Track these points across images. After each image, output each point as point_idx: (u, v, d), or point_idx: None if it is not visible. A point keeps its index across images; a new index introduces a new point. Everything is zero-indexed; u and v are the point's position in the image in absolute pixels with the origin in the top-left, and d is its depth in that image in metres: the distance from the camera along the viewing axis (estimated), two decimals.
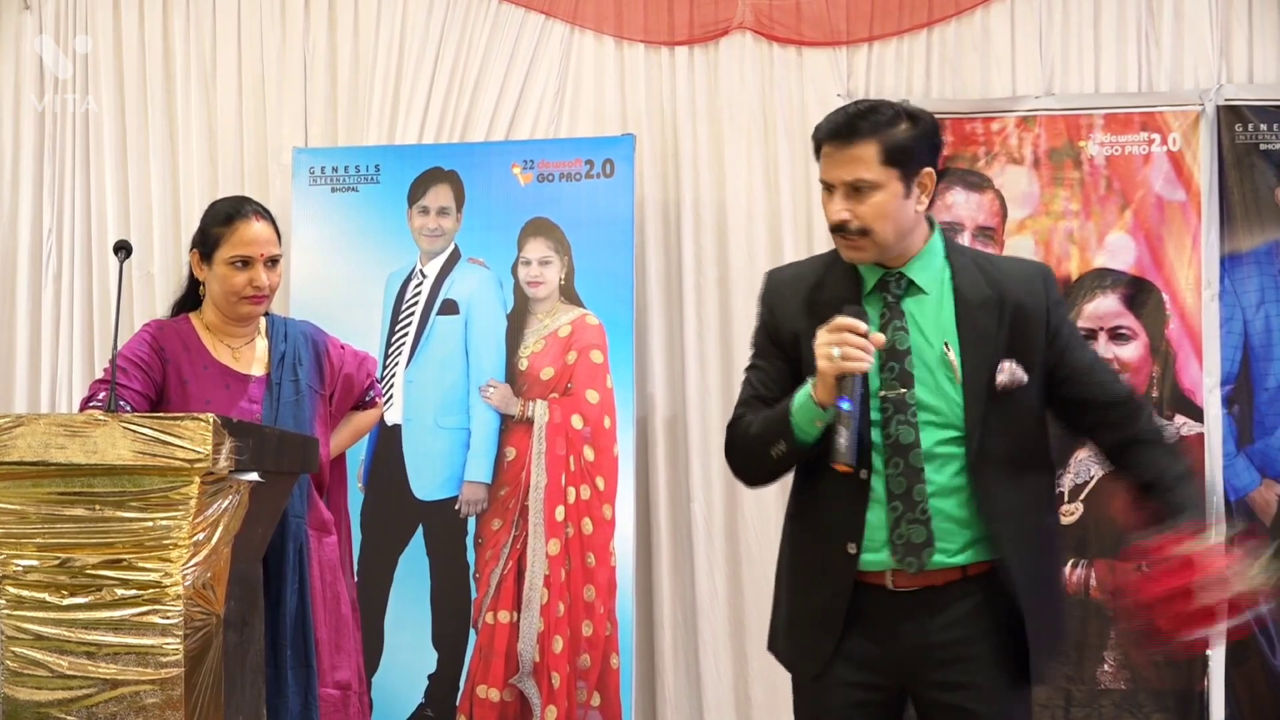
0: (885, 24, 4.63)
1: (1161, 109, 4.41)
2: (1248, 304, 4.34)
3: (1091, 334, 4.37)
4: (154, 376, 3.02)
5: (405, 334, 4.51)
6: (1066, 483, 4.35)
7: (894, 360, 2.38)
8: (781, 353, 2.46)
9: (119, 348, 2.96)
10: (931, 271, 2.44)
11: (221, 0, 4.89)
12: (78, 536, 2.46)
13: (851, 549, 2.36)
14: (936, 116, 2.54)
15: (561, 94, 4.77)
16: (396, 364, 4.49)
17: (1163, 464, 2.45)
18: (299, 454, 2.98)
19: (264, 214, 3.12)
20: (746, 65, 4.69)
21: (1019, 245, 4.42)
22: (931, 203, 2.44)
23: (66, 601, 2.47)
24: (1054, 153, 4.43)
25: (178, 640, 2.46)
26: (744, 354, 4.58)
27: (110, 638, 2.46)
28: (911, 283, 2.43)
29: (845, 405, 2.25)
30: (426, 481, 4.44)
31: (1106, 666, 4.30)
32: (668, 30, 4.72)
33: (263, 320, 3.22)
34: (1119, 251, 4.39)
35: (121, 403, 2.88)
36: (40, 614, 2.47)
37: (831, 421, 2.29)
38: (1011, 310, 2.41)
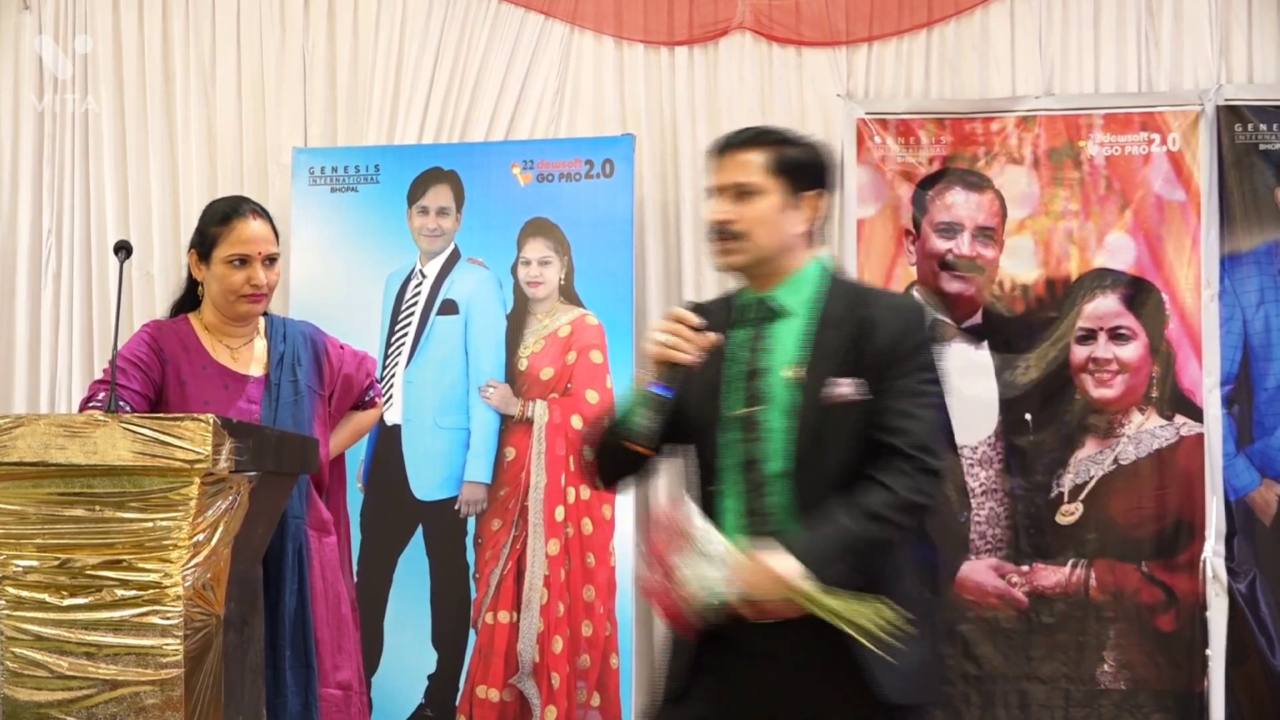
0: (885, 24, 4.63)
1: (1161, 109, 4.41)
2: (1247, 304, 4.34)
3: (1091, 334, 4.38)
4: (153, 377, 3.01)
5: (405, 334, 4.51)
6: (1066, 483, 4.35)
7: (752, 380, 2.41)
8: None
9: (119, 348, 2.96)
10: (801, 295, 2.44)
11: (221, 1, 4.89)
12: (78, 537, 2.46)
13: None
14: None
15: (561, 94, 4.77)
16: (396, 364, 4.49)
17: (851, 502, 2.31)
18: (299, 454, 2.98)
19: (261, 213, 3.12)
20: (746, 65, 4.69)
21: (1019, 245, 4.43)
22: (821, 231, 2.49)
23: (66, 602, 2.47)
24: (1054, 153, 4.43)
25: (178, 641, 2.46)
26: None
27: (110, 638, 2.46)
28: (777, 307, 2.43)
29: (659, 390, 2.32)
30: (426, 482, 4.44)
31: (1106, 667, 4.31)
32: (667, 30, 4.73)
33: (261, 320, 3.21)
34: (1119, 251, 4.39)
35: (121, 403, 2.87)
36: (40, 615, 2.47)
37: (701, 438, 2.39)
38: (866, 332, 2.38)
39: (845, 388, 2.35)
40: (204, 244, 3.08)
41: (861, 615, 2.23)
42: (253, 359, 3.16)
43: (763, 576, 2.25)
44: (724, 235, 2.41)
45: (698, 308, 2.41)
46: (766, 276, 2.44)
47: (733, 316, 2.46)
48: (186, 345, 3.08)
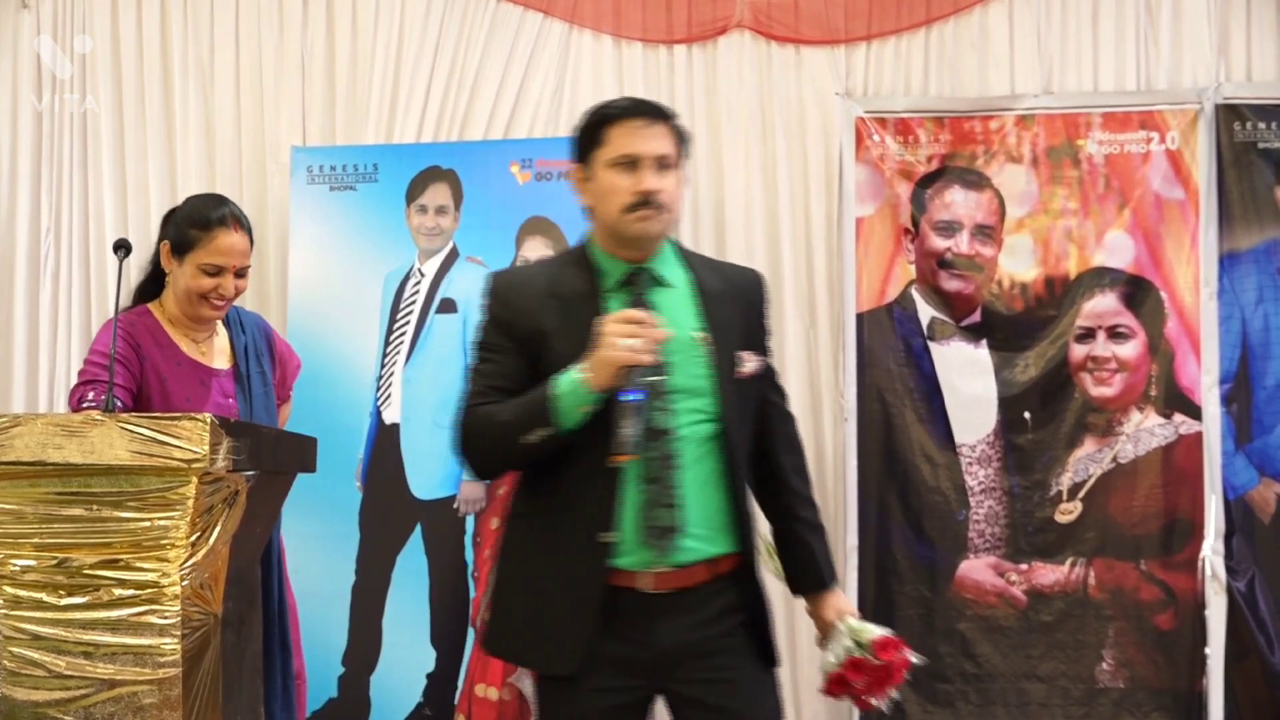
0: (883, 22, 4.63)
1: (1160, 107, 4.41)
2: (1246, 302, 4.34)
3: (1090, 332, 4.38)
4: (133, 371, 3.00)
5: (403, 333, 4.51)
6: (1065, 482, 4.35)
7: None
8: (519, 347, 2.42)
9: (98, 346, 2.97)
10: (671, 267, 2.49)
11: (220, 0, 4.89)
12: (75, 536, 2.46)
13: (605, 538, 2.34)
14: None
15: (560, 92, 4.77)
16: (395, 363, 4.49)
17: (804, 522, 2.59)
18: (297, 454, 2.98)
19: (242, 223, 3.09)
20: (745, 64, 4.69)
21: (1018, 244, 4.43)
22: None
23: (64, 601, 2.47)
24: (1052, 151, 4.43)
25: (175, 640, 2.45)
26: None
27: (108, 638, 2.46)
28: (657, 277, 2.46)
29: (634, 396, 2.27)
30: (425, 480, 4.44)
31: (1105, 665, 4.31)
32: (666, 29, 4.73)
33: None
34: (1117, 250, 4.40)
35: (115, 402, 2.87)
36: (38, 614, 2.47)
37: (601, 410, 2.30)
38: (744, 305, 2.51)
39: (751, 363, 2.46)
40: (181, 242, 3.06)
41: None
42: (216, 351, 3.16)
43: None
44: (653, 205, 2.39)
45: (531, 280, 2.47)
46: (640, 251, 2.46)
47: (601, 286, 2.43)
48: (158, 340, 3.07)
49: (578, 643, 2.36)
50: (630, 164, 2.40)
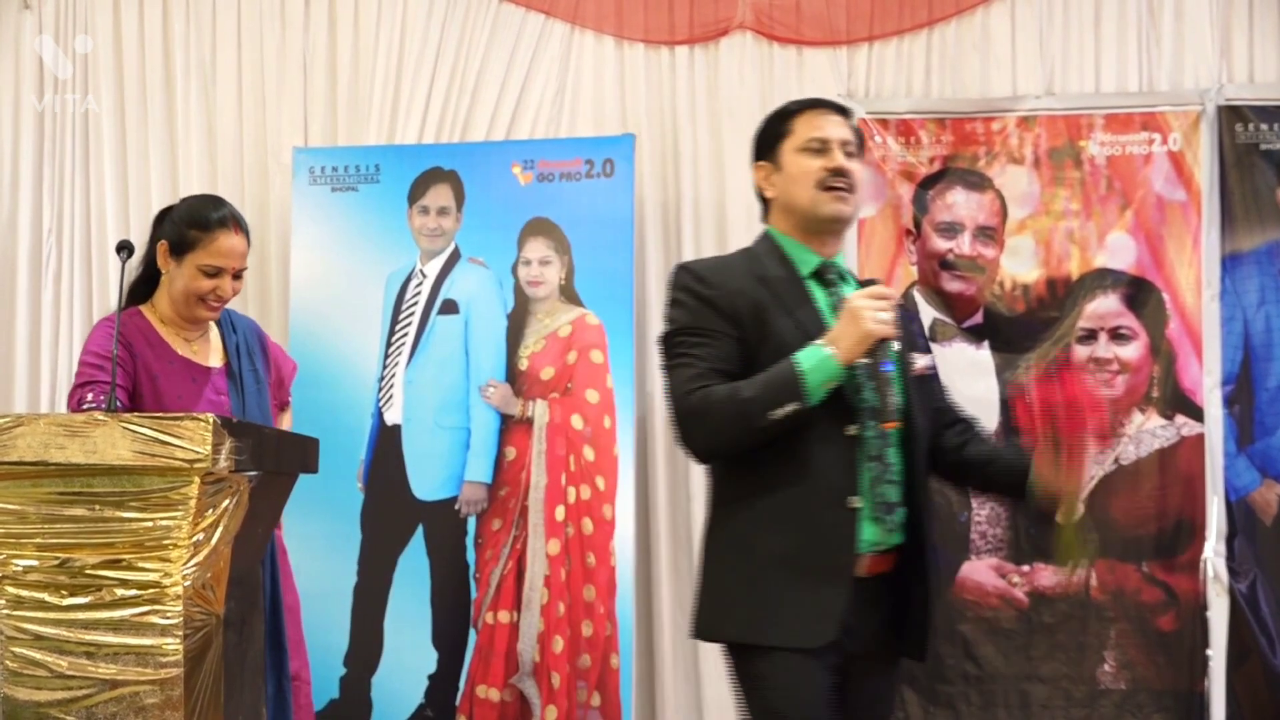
0: (885, 24, 4.63)
1: (1162, 109, 4.41)
2: (1248, 304, 4.34)
3: (1092, 334, 4.38)
4: (128, 370, 3.01)
5: (405, 334, 4.51)
6: None
7: None
8: (732, 328, 2.44)
9: (92, 347, 2.97)
10: (844, 265, 2.59)
11: (221, 0, 4.89)
12: (77, 536, 2.46)
13: (853, 502, 2.38)
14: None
15: (561, 94, 4.77)
16: (396, 364, 4.49)
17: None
18: (299, 454, 2.98)
19: (241, 225, 3.10)
20: (746, 65, 4.70)
21: (1019, 245, 4.43)
22: None
23: (66, 601, 2.47)
24: (1054, 152, 4.43)
25: (177, 640, 2.45)
26: None
27: (110, 638, 2.45)
28: (843, 272, 2.56)
29: (889, 367, 2.38)
30: (426, 481, 4.44)
31: (1106, 666, 4.30)
32: (668, 30, 4.73)
33: None
34: (1119, 251, 4.39)
35: (103, 400, 2.86)
36: (40, 614, 2.46)
37: (852, 381, 2.37)
38: (900, 311, 2.55)
39: (923, 360, 2.56)
40: (180, 243, 3.05)
41: None
42: (210, 350, 3.17)
43: None
44: (845, 181, 2.48)
45: (721, 268, 2.50)
46: (839, 235, 2.55)
47: (801, 274, 2.50)
48: (149, 340, 3.07)
49: (832, 611, 2.36)
50: (820, 147, 2.49)
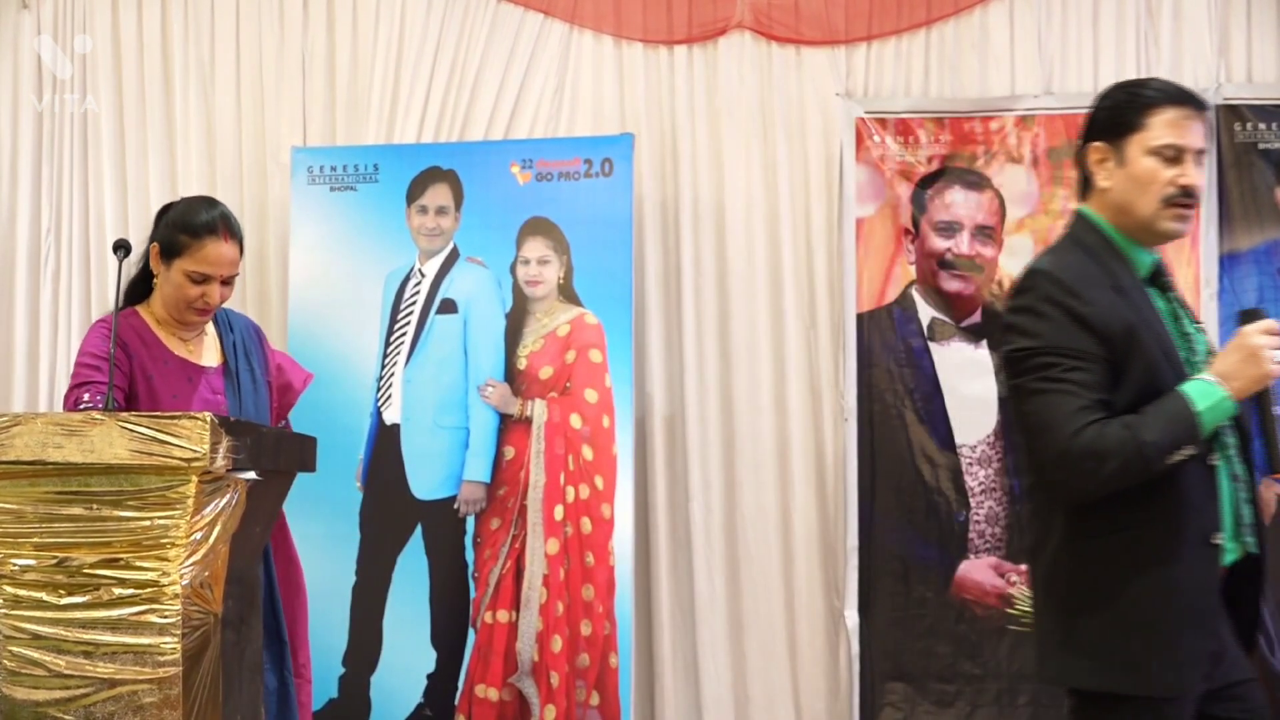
0: (884, 23, 4.63)
1: None
2: (1247, 302, 4.33)
3: None
4: (124, 370, 3.00)
5: (404, 333, 4.51)
6: None
7: (1188, 340, 2.38)
8: (1106, 350, 2.25)
9: (87, 348, 2.96)
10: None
11: (220, 0, 4.89)
12: (75, 536, 2.46)
13: (1217, 539, 2.26)
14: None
15: (560, 93, 4.77)
16: (395, 363, 4.49)
17: None
18: (297, 454, 2.98)
19: (233, 231, 3.06)
20: (745, 64, 4.69)
21: (1018, 244, 4.42)
22: None
23: (64, 601, 2.47)
24: (1053, 152, 4.43)
25: (175, 639, 2.45)
26: (742, 353, 4.62)
27: (108, 637, 2.46)
28: (1170, 274, 2.44)
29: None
30: (425, 481, 4.44)
31: None
32: (666, 29, 4.73)
33: None
34: None
35: (100, 400, 2.85)
36: (38, 613, 2.47)
37: (1237, 423, 2.29)
38: None
39: None
40: (170, 247, 3.03)
41: None
42: (206, 349, 3.15)
43: None
44: (1194, 201, 2.33)
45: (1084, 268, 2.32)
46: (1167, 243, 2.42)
47: (1135, 273, 2.36)
48: (145, 340, 3.06)
49: (1200, 656, 2.25)
50: (1175, 155, 2.30)
